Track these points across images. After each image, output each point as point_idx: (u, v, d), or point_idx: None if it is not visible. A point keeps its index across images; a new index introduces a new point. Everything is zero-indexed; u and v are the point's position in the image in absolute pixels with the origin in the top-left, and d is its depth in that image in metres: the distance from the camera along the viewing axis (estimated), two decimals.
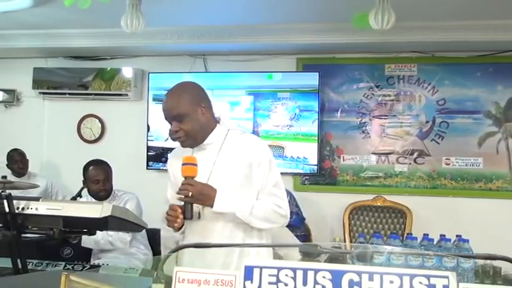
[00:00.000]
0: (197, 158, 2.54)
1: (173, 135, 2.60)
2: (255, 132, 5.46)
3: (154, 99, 5.72)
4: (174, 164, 2.71)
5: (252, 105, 5.58)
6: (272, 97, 5.54)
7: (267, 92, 5.55)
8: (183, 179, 2.51)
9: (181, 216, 2.51)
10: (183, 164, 2.52)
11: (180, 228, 2.60)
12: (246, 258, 1.28)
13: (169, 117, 2.57)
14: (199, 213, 2.58)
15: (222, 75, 5.63)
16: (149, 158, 5.76)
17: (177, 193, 2.50)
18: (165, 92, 2.66)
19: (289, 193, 4.82)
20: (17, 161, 5.52)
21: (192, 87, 2.67)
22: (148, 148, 5.76)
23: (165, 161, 5.61)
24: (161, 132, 5.66)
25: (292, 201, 4.89)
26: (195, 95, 2.62)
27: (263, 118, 5.57)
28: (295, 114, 5.48)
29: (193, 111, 2.56)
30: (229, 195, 2.52)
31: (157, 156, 5.74)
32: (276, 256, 2.53)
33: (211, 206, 2.50)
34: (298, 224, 4.86)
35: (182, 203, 2.52)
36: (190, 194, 2.46)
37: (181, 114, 2.53)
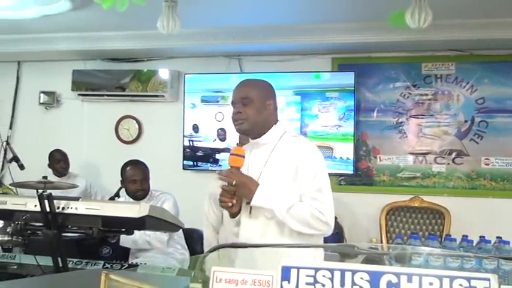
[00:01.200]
0: (250, 157, 2.60)
1: (235, 115, 2.65)
2: (302, 133, 5.44)
3: (202, 101, 5.75)
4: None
5: (300, 106, 5.53)
6: (320, 97, 5.48)
7: (315, 92, 5.49)
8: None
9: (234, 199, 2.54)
10: (231, 154, 2.57)
11: (237, 214, 2.60)
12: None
13: (238, 98, 2.64)
14: (249, 211, 2.60)
15: (269, 76, 5.60)
16: (186, 158, 5.80)
17: (220, 179, 2.54)
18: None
19: None
20: (59, 160, 5.63)
21: (267, 83, 2.77)
22: (192, 148, 5.80)
23: (214, 162, 5.67)
24: (209, 133, 5.71)
25: None
26: (268, 90, 2.72)
27: (311, 118, 5.52)
28: (344, 114, 5.41)
29: (261, 101, 2.63)
30: (270, 192, 2.53)
31: (205, 157, 5.77)
32: None
33: (250, 200, 2.51)
34: None
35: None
36: (234, 182, 2.49)
37: (250, 98, 2.61)
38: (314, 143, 2.81)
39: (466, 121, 5.27)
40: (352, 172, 5.41)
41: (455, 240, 3.05)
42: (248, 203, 2.57)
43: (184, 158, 5.80)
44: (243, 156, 2.56)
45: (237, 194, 2.54)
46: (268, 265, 2.39)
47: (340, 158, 5.39)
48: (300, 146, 2.64)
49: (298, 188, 2.56)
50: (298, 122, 5.52)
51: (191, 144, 5.76)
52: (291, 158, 2.58)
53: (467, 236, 3.10)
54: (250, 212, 2.60)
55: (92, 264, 3.56)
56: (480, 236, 3.06)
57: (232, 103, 2.69)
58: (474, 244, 3.03)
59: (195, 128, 5.76)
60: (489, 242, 2.97)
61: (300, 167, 2.56)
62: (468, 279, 1.18)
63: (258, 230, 2.58)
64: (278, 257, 2.43)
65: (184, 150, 5.80)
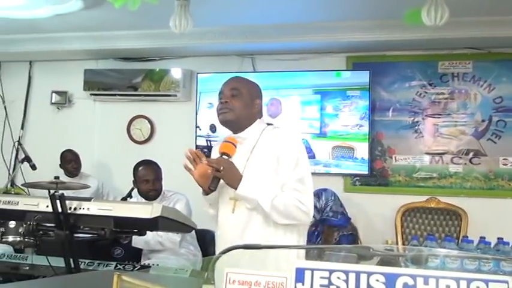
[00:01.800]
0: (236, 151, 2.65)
1: (221, 105, 2.69)
2: (322, 133, 5.44)
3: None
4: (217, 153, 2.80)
5: (319, 105, 5.51)
6: (340, 96, 5.45)
7: (335, 91, 5.46)
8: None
9: (202, 160, 2.63)
10: (224, 141, 2.66)
11: (209, 191, 2.64)
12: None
13: (228, 89, 2.71)
14: (233, 208, 2.64)
15: (287, 74, 5.62)
16: None
17: (208, 164, 2.58)
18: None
19: (333, 193, 4.81)
20: (71, 161, 5.66)
21: (257, 84, 2.85)
22: (209, 148, 5.77)
23: None
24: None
25: (337, 201, 4.87)
26: (258, 90, 2.81)
27: (331, 118, 5.49)
28: (365, 113, 5.38)
29: (249, 98, 2.71)
30: (254, 183, 2.58)
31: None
32: None
33: (236, 188, 2.56)
34: (344, 224, 4.84)
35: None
36: (221, 167, 2.55)
37: (240, 91, 2.69)
38: (296, 133, 2.89)
39: (483, 120, 5.23)
40: (367, 172, 5.39)
41: (472, 241, 3.04)
42: (231, 198, 2.63)
43: None
44: (236, 146, 2.63)
45: (224, 180, 2.60)
46: (276, 266, 2.40)
47: (362, 158, 5.37)
48: (280, 136, 2.69)
49: (278, 179, 2.61)
50: (318, 122, 5.50)
51: (209, 144, 5.75)
52: (271, 149, 2.64)
53: (484, 238, 3.08)
54: (233, 211, 2.64)
55: (104, 265, 3.58)
56: (498, 238, 3.04)
57: (220, 94, 2.74)
58: (492, 246, 3.01)
59: (213, 128, 5.75)
60: (507, 243, 2.96)
61: (281, 157, 2.61)
62: (486, 281, 1.17)
63: (241, 224, 2.62)
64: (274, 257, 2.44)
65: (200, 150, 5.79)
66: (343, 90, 5.44)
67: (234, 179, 2.58)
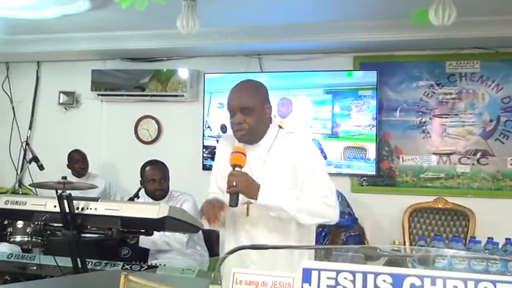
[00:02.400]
0: (249, 156, 2.59)
1: (236, 126, 2.64)
2: (333, 133, 5.43)
3: None
4: (224, 149, 2.78)
5: (331, 105, 5.47)
6: (353, 95, 5.41)
7: (347, 91, 5.42)
8: (230, 167, 2.56)
9: (221, 213, 2.54)
10: (232, 153, 2.58)
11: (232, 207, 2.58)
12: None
13: (238, 108, 2.62)
14: (246, 210, 2.61)
15: (297, 75, 5.60)
16: (212, 159, 5.79)
17: (227, 183, 2.51)
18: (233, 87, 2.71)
19: (340, 194, 4.82)
20: (78, 161, 5.68)
21: (263, 86, 2.77)
22: (205, 148, 5.80)
23: None
24: None
25: (343, 201, 4.87)
26: (265, 94, 2.73)
27: (343, 118, 5.46)
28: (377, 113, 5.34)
29: (261, 108, 2.65)
30: (274, 189, 2.54)
31: None
32: None
33: (256, 198, 2.51)
34: (351, 224, 4.84)
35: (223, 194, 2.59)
36: (234, 183, 2.48)
37: (251, 107, 2.61)
38: (310, 139, 2.85)
39: (491, 120, 5.21)
40: (374, 173, 5.38)
41: (480, 242, 3.03)
42: (244, 202, 2.59)
43: (209, 158, 5.80)
44: (245, 155, 2.57)
45: (242, 194, 2.52)
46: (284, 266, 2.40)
47: (375, 159, 5.34)
48: (296, 142, 2.67)
49: (297, 183, 2.59)
50: (330, 122, 5.47)
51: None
52: (289, 153, 2.62)
53: (492, 238, 3.07)
54: (247, 214, 2.61)
55: (111, 265, 3.59)
56: (506, 238, 3.03)
57: (231, 111, 2.65)
58: (500, 246, 3.00)
59: (223, 128, 5.74)
60: None
61: (298, 163, 2.59)
62: (494, 282, 1.16)
63: (256, 226, 2.61)
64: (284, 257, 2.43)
65: (205, 151, 5.79)
66: (355, 90, 5.40)
67: (251, 190, 2.51)
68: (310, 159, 2.61)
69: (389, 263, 1.58)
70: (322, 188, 2.56)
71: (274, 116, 5.45)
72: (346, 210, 4.85)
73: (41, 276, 3.58)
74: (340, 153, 5.43)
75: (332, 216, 2.61)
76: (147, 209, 2.59)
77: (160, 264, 3.81)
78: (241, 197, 2.55)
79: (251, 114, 2.60)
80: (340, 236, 4.74)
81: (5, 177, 6.37)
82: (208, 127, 5.82)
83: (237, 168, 2.53)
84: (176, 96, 5.98)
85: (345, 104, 5.43)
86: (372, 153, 5.35)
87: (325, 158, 5.35)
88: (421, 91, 5.39)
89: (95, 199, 2.75)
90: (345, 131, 5.43)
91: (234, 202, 2.51)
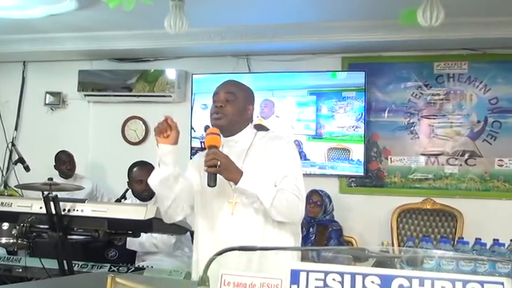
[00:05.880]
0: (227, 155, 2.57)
1: (215, 109, 2.64)
2: (318, 134, 5.43)
3: None
4: (193, 172, 2.80)
5: (315, 106, 5.49)
6: (336, 96, 5.44)
7: (331, 92, 5.44)
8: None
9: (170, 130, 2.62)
10: (207, 134, 2.57)
11: (211, 187, 2.51)
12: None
13: (223, 92, 2.65)
14: (232, 210, 2.59)
15: (282, 75, 5.61)
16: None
17: (206, 162, 2.47)
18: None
19: (327, 195, 4.84)
20: (65, 162, 5.65)
21: (251, 90, 2.81)
22: (193, 149, 5.79)
23: None
24: None
25: (330, 202, 4.89)
26: (252, 96, 2.78)
27: (326, 119, 5.48)
28: (362, 114, 5.36)
29: (244, 103, 2.68)
30: (256, 179, 2.52)
31: None
32: None
33: (237, 181, 2.47)
34: (333, 220, 4.86)
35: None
36: (218, 163, 2.44)
37: (236, 95, 2.64)
38: (290, 137, 2.86)
39: (479, 121, 5.24)
40: (362, 173, 5.39)
41: (468, 243, 3.04)
42: (230, 201, 2.58)
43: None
44: (220, 135, 2.56)
45: (223, 175, 2.48)
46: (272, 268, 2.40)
47: (358, 160, 5.36)
48: (275, 140, 2.68)
49: (274, 180, 2.58)
50: (314, 123, 5.48)
51: (203, 146, 5.72)
52: (267, 152, 2.63)
53: (480, 239, 3.08)
54: (232, 213, 2.59)
55: (97, 267, 3.57)
56: (494, 239, 3.04)
57: (214, 96, 2.68)
58: (487, 247, 3.01)
59: (207, 129, 5.71)
60: (503, 245, 2.95)
61: (276, 162, 2.59)
62: (481, 283, 1.17)
63: (242, 226, 2.57)
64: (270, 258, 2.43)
65: (193, 151, 5.78)
66: (339, 91, 5.43)
67: (233, 173, 2.48)
68: (287, 160, 2.61)
69: (378, 264, 1.58)
70: (295, 188, 2.56)
71: (258, 116, 5.45)
72: (332, 211, 4.89)
73: (27, 278, 3.56)
74: (324, 154, 5.45)
75: (297, 219, 2.64)
76: (135, 211, 2.59)
77: (147, 266, 3.79)
78: (226, 196, 2.55)
79: (233, 103, 2.62)
80: (325, 233, 4.76)
81: None
82: (192, 128, 5.80)
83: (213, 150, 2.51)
84: (164, 96, 5.96)
85: (329, 105, 5.46)
86: (356, 154, 5.37)
87: (308, 159, 5.38)
88: (409, 92, 5.41)
89: (82, 200, 2.74)
90: (329, 132, 5.45)
91: (213, 181, 2.45)
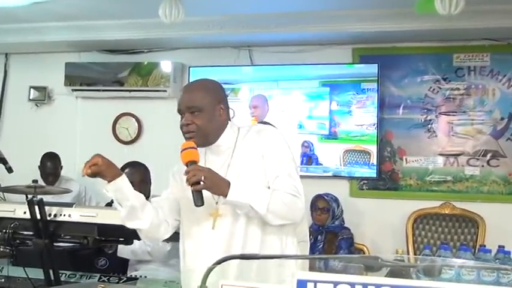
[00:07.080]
0: (207, 164, 2.57)
1: (185, 128, 2.63)
2: (331, 134, 5.38)
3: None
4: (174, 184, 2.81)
5: (328, 100, 5.38)
6: (354, 88, 5.36)
7: (347, 83, 5.35)
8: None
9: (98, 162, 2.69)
10: (182, 150, 2.55)
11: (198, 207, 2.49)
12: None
13: (185, 107, 2.63)
14: (213, 224, 2.58)
15: (287, 67, 5.56)
16: None
17: (187, 180, 2.45)
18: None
19: (336, 198, 4.84)
20: (49, 174, 5.61)
21: (214, 85, 2.76)
22: None
23: None
24: None
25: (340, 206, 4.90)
26: (217, 93, 2.71)
27: (342, 115, 5.41)
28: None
29: (211, 108, 2.62)
30: (245, 186, 2.51)
31: None
32: None
33: (225, 195, 2.46)
34: (343, 227, 4.86)
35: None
36: (202, 178, 2.42)
37: (199, 107, 2.59)
38: (277, 129, 2.85)
39: (502, 118, 5.25)
40: (375, 175, 5.39)
41: (490, 251, 3.04)
42: (212, 214, 2.57)
43: None
44: (196, 148, 2.53)
45: (210, 191, 2.48)
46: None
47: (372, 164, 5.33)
48: (262, 134, 2.66)
49: (265, 178, 2.57)
50: (327, 121, 5.41)
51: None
52: (254, 149, 2.60)
53: (503, 247, 3.09)
54: (213, 227, 2.59)
55: (86, 277, 3.57)
56: None
57: (179, 111, 2.67)
58: (511, 256, 3.01)
59: None
60: None
61: (264, 159, 2.58)
62: None
63: (224, 239, 2.56)
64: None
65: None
66: (357, 82, 5.37)
67: (221, 187, 2.47)
68: (276, 153, 2.60)
69: (392, 273, 1.59)
70: (291, 187, 2.54)
71: (253, 115, 5.41)
72: (342, 215, 4.89)
73: None
74: (339, 157, 5.41)
75: (298, 218, 2.63)
76: None
77: (140, 276, 3.80)
78: (207, 209, 2.53)
79: (200, 115, 2.59)
80: (334, 241, 4.77)
81: None
82: None
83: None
84: (158, 91, 5.96)
85: (345, 99, 5.40)
86: (375, 157, 5.34)
87: (321, 163, 5.33)
88: (426, 86, 5.41)
89: (69, 204, 2.75)
90: (345, 131, 5.41)
91: (201, 201, 2.44)
